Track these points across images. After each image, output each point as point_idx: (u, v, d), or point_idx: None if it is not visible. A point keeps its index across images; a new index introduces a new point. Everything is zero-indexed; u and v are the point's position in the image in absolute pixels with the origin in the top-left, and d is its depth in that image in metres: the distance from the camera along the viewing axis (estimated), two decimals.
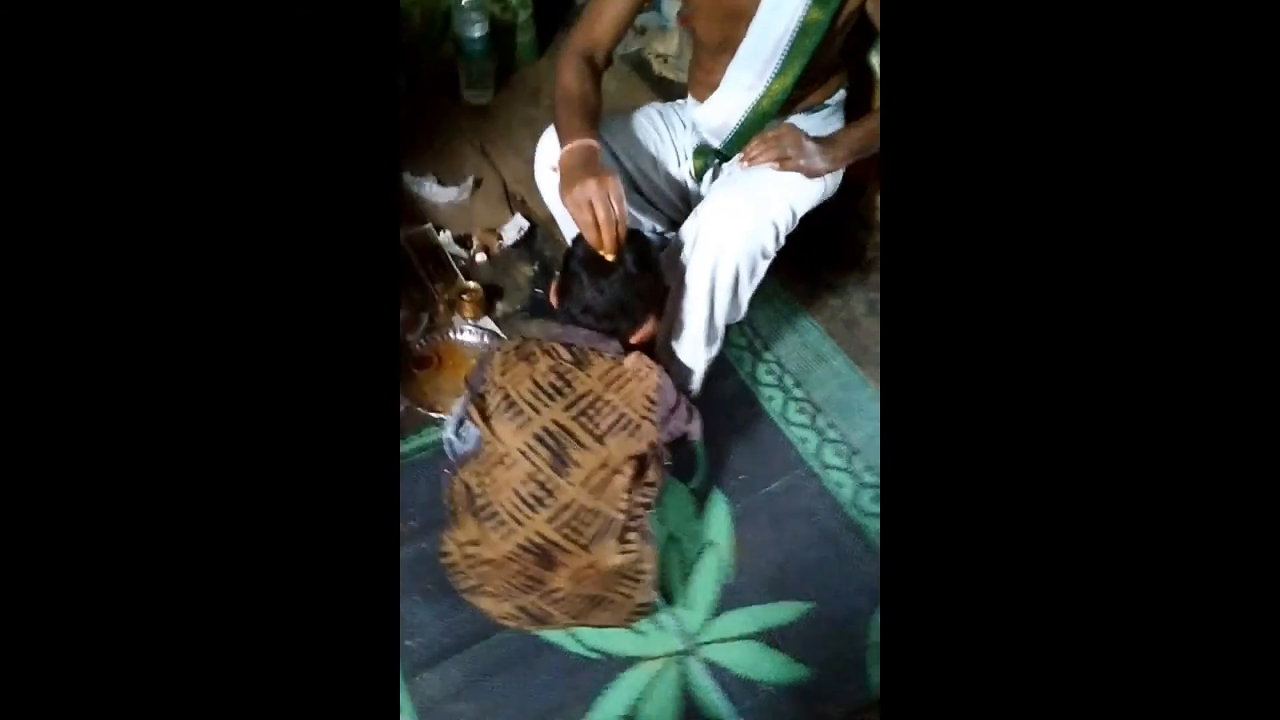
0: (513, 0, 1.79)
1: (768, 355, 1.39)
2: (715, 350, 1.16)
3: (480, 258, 1.48)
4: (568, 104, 1.03)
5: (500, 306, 1.42)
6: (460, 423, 1.06)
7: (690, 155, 1.20)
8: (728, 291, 1.06)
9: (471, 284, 1.39)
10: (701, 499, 1.20)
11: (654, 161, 1.18)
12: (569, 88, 1.04)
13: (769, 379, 1.36)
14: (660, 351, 1.15)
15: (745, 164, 1.08)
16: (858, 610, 1.09)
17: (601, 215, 0.91)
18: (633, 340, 1.02)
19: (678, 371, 1.14)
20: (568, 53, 1.08)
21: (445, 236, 1.49)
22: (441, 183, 1.60)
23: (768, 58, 1.08)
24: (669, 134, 1.20)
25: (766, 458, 1.25)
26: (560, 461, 0.91)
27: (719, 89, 1.15)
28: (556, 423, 0.92)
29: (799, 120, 1.18)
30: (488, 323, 1.38)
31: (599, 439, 0.92)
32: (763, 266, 1.08)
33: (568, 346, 0.97)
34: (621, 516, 0.92)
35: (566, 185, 0.94)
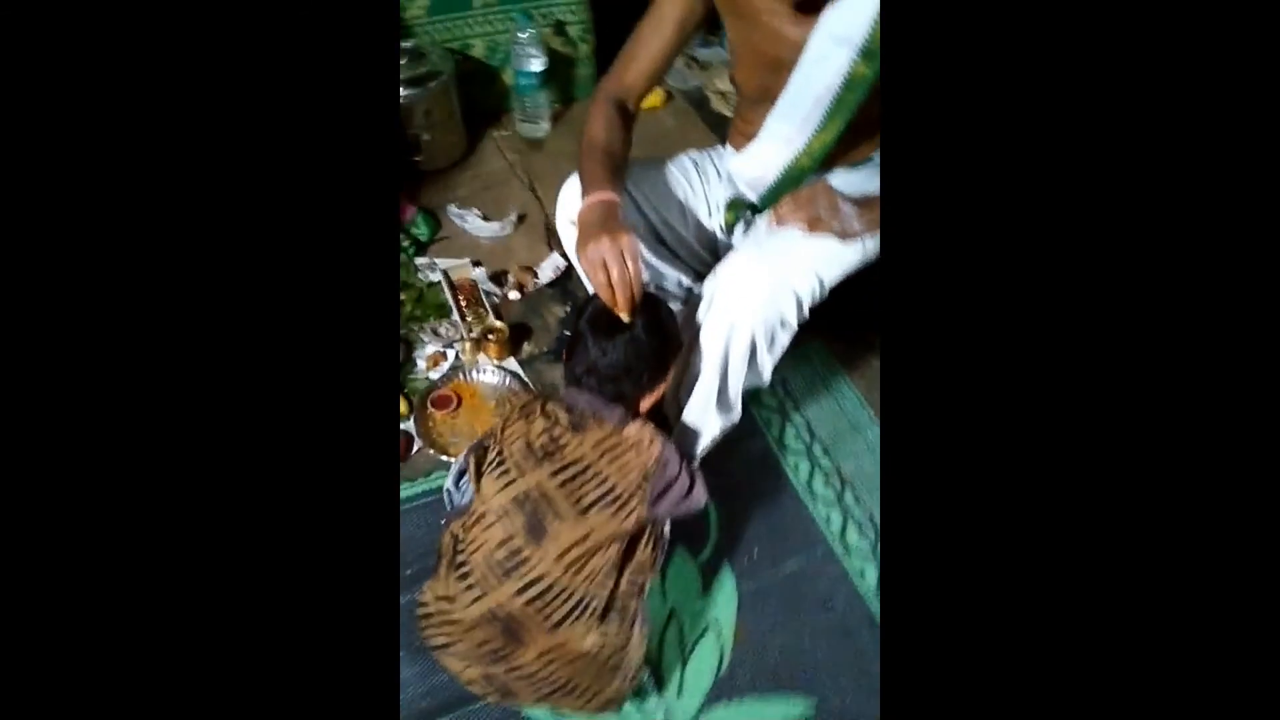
0: (573, 34, 1.79)
1: (797, 418, 1.31)
2: (729, 419, 1.10)
3: (514, 295, 1.47)
4: (592, 153, 1.00)
5: (527, 348, 1.40)
6: (461, 474, 1.04)
7: (722, 207, 1.15)
8: (742, 361, 0.99)
9: (499, 323, 1.38)
10: (709, 573, 1.13)
11: (682, 212, 1.13)
12: (595, 135, 1.01)
13: (796, 445, 1.28)
14: (669, 407, 1.10)
15: (775, 224, 1.01)
16: (865, 713, 1.00)
17: (615, 275, 0.88)
18: (641, 405, 0.97)
19: (683, 433, 1.08)
20: (598, 97, 1.05)
21: (480, 272, 1.49)
22: (486, 217, 1.60)
23: (808, 112, 1.02)
24: (701, 184, 1.15)
25: (785, 533, 1.17)
26: (536, 530, 0.87)
27: (757, 140, 1.09)
28: (540, 488, 0.88)
29: (839, 176, 1.11)
30: (512, 364, 1.37)
31: (582, 512, 0.87)
32: (785, 336, 1.01)
33: (569, 409, 0.93)
34: (599, 599, 0.87)
35: (582, 242, 0.91)
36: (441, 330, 1.40)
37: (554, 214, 1.50)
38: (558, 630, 0.86)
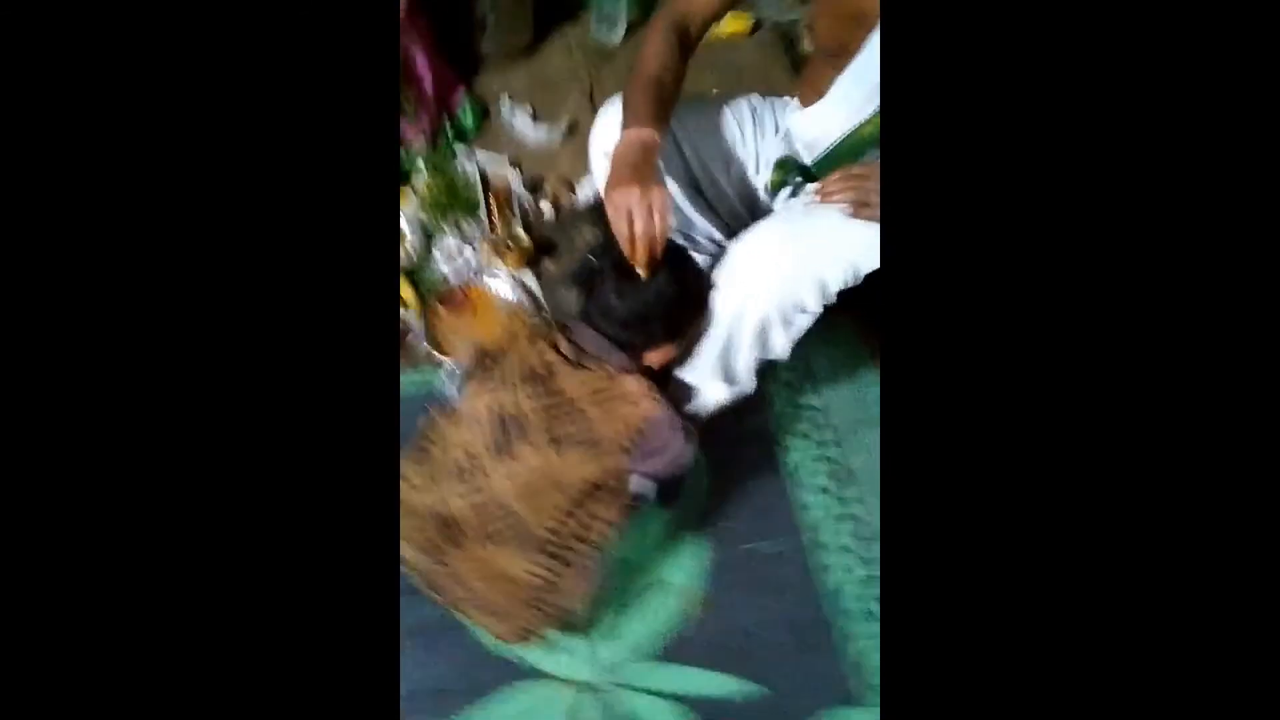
0: None
1: (815, 401, 1.24)
2: (736, 390, 1.03)
3: (546, 208, 1.40)
4: (640, 81, 0.90)
5: (548, 265, 1.34)
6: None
7: (771, 165, 1.04)
8: (752, 337, 0.92)
9: (523, 233, 1.31)
10: (677, 529, 1.09)
11: (726, 164, 1.04)
12: (647, 62, 0.91)
13: (804, 427, 1.21)
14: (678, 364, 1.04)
15: (818, 198, 0.91)
16: (799, 711, 0.97)
17: (639, 228, 0.81)
18: (647, 359, 0.92)
19: (680, 389, 1.02)
20: (659, 19, 0.94)
21: (516, 176, 1.41)
22: (536, 117, 1.51)
23: (878, 82, 0.90)
24: (755, 136, 1.05)
25: (766, 513, 1.12)
26: (502, 447, 0.84)
27: (824, 99, 0.98)
28: (519, 408, 0.84)
29: None
30: (528, 277, 1.31)
31: (554, 443, 0.83)
32: (805, 319, 0.92)
33: (574, 343, 0.88)
34: (543, 534, 0.84)
35: (613, 183, 0.83)
36: (465, 226, 1.34)
37: None
38: (489, 545, 0.84)
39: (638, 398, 0.86)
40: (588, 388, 0.86)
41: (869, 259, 0.91)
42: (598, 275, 0.88)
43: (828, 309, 0.94)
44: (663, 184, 0.84)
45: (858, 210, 0.88)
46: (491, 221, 1.35)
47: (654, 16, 0.95)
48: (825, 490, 1.15)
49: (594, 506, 0.86)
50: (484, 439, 0.85)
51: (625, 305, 0.86)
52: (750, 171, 1.06)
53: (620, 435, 0.85)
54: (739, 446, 1.17)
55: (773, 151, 1.06)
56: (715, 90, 1.52)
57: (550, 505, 0.83)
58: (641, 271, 0.84)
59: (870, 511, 1.13)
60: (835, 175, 0.91)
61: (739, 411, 1.13)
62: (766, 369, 1.18)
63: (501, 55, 1.59)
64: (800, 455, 1.18)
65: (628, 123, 0.87)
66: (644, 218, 0.81)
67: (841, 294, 0.93)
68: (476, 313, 1.25)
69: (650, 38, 0.93)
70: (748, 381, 1.03)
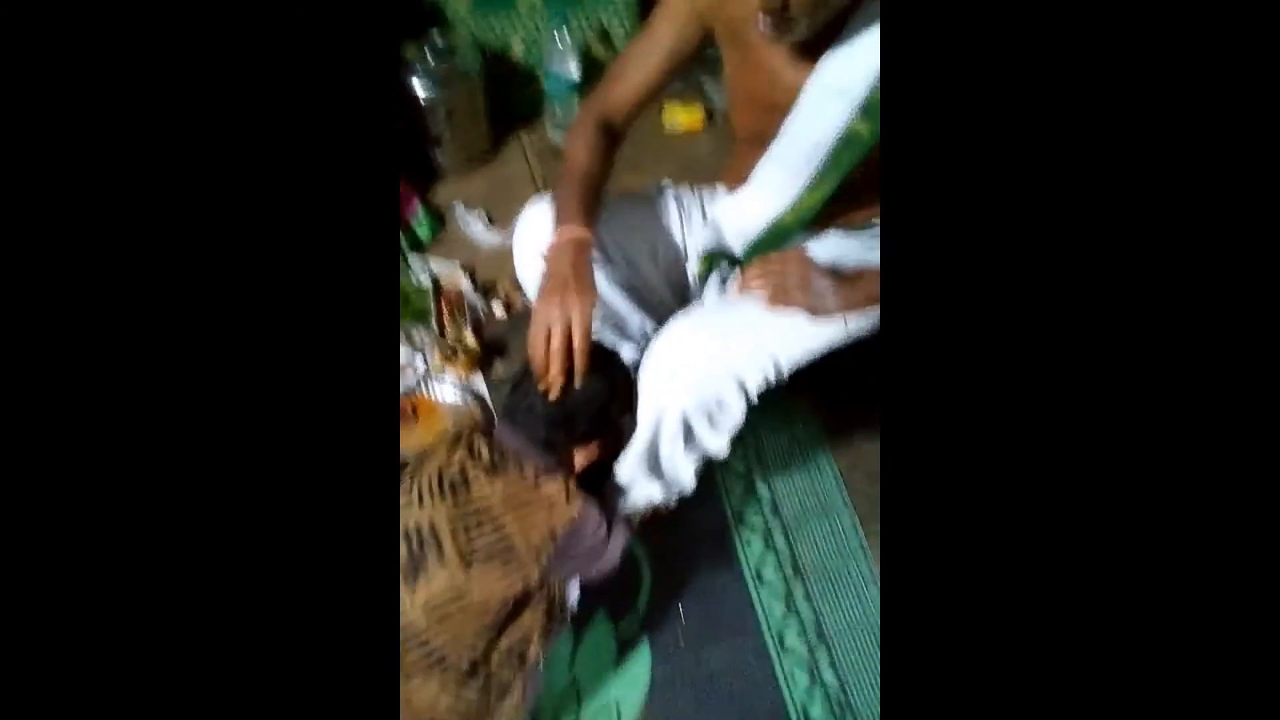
0: (617, 41, 1.72)
1: (763, 490, 1.20)
2: (668, 489, 1.00)
3: (499, 311, 1.42)
4: (570, 177, 0.92)
5: (499, 368, 1.35)
6: None
7: (700, 255, 1.05)
8: (674, 436, 0.90)
9: (472, 339, 1.33)
10: (626, 646, 1.04)
11: (654, 255, 1.04)
12: (574, 158, 0.93)
13: (755, 520, 1.17)
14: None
15: (737, 289, 0.91)
16: None
17: (555, 346, 0.81)
18: (576, 460, 0.90)
19: (612, 489, 0.99)
20: (583, 115, 0.97)
21: (468, 281, 1.44)
22: (491, 222, 1.56)
23: (800, 165, 0.91)
24: (681, 226, 1.06)
25: (719, 618, 1.07)
26: (412, 570, 0.81)
27: (746, 185, 0.99)
28: (432, 524, 0.82)
29: (833, 240, 0.99)
30: (479, 383, 1.31)
31: (467, 562, 0.81)
32: (729, 418, 0.90)
33: (495, 447, 0.87)
34: (463, 660, 0.80)
35: (542, 293, 0.84)
36: (415, 336, 1.36)
37: None
38: (410, 682, 0.80)
39: (559, 502, 0.83)
40: (505, 495, 0.83)
41: (793, 349, 0.90)
42: (528, 375, 0.88)
43: (782, 390, 0.92)
44: (591, 290, 0.84)
45: (775, 300, 0.88)
46: (442, 327, 1.37)
47: (577, 115, 0.98)
48: (784, 592, 1.09)
49: (520, 624, 0.83)
50: (399, 564, 0.83)
51: (550, 405, 0.85)
52: (678, 262, 1.07)
53: (539, 543, 0.82)
54: (689, 542, 1.13)
55: (701, 240, 1.06)
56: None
57: (470, 631, 0.80)
58: (553, 392, 0.84)
59: (817, 611, 1.07)
60: (754, 264, 0.91)
61: (687, 505, 1.10)
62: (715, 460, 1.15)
63: (460, 165, 1.65)
64: (756, 551, 1.14)
65: (560, 220, 0.88)
66: (562, 336, 0.81)
67: (795, 375, 0.91)
68: (420, 423, 1.25)
69: (576, 132, 0.95)
70: (686, 479, 1.00)
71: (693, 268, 1.05)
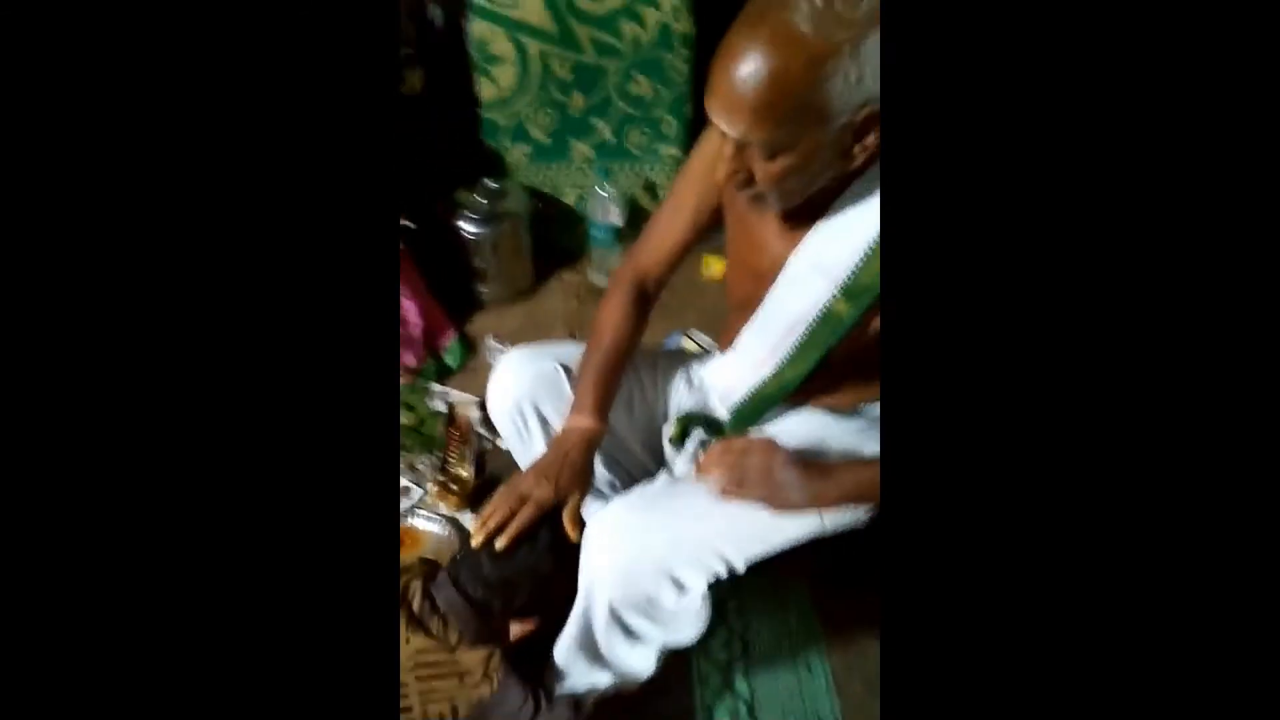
0: (663, 190, 1.78)
1: (742, 687, 1.06)
2: (610, 675, 0.90)
3: (504, 445, 1.41)
4: (598, 353, 0.92)
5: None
6: None
7: (669, 421, 1.00)
8: (608, 629, 0.82)
9: (465, 473, 1.31)
10: None
11: (629, 413, 1.00)
12: (604, 333, 0.93)
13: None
14: None
15: (695, 473, 0.84)
16: None
17: (521, 520, 0.80)
18: (512, 631, 0.84)
19: (551, 669, 0.90)
20: (618, 277, 0.98)
21: (478, 414, 1.45)
22: None
23: (780, 337, 0.87)
24: (660, 386, 1.02)
25: None
26: None
27: (732, 350, 0.96)
28: None
29: (818, 421, 0.92)
30: (468, 518, 1.28)
31: None
32: (668, 612, 0.82)
33: (426, 600, 0.82)
34: None
35: (536, 468, 0.85)
36: (419, 465, 1.37)
37: None
38: None
39: (473, 675, 0.77)
40: (415, 654, 0.78)
41: (748, 544, 0.81)
42: (468, 536, 0.84)
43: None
44: (585, 486, 0.85)
45: (729, 491, 0.80)
46: (446, 458, 1.37)
47: (613, 275, 0.99)
48: None
49: None
50: None
51: (495, 567, 0.80)
52: (655, 421, 1.02)
53: (434, 716, 0.75)
54: None
55: (684, 403, 1.02)
56: (692, 331, 1.55)
57: None
58: (476, 540, 0.80)
59: None
60: (713, 449, 0.85)
61: (653, 690, 0.98)
62: (697, 645, 1.05)
63: (501, 299, 1.72)
64: None
65: (577, 404, 0.89)
66: (532, 515, 0.80)
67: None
68: (402, 550, 1.22)
69: (610, 296, 0.95)
70: (638, 666, 0.90)
71: (668, 430, 1.00)
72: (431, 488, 1.31)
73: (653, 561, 0.77)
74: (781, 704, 1.04)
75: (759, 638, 1.12)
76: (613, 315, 0.94)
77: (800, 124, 0.64)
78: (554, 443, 0.88)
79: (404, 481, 1.34)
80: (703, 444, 0.99)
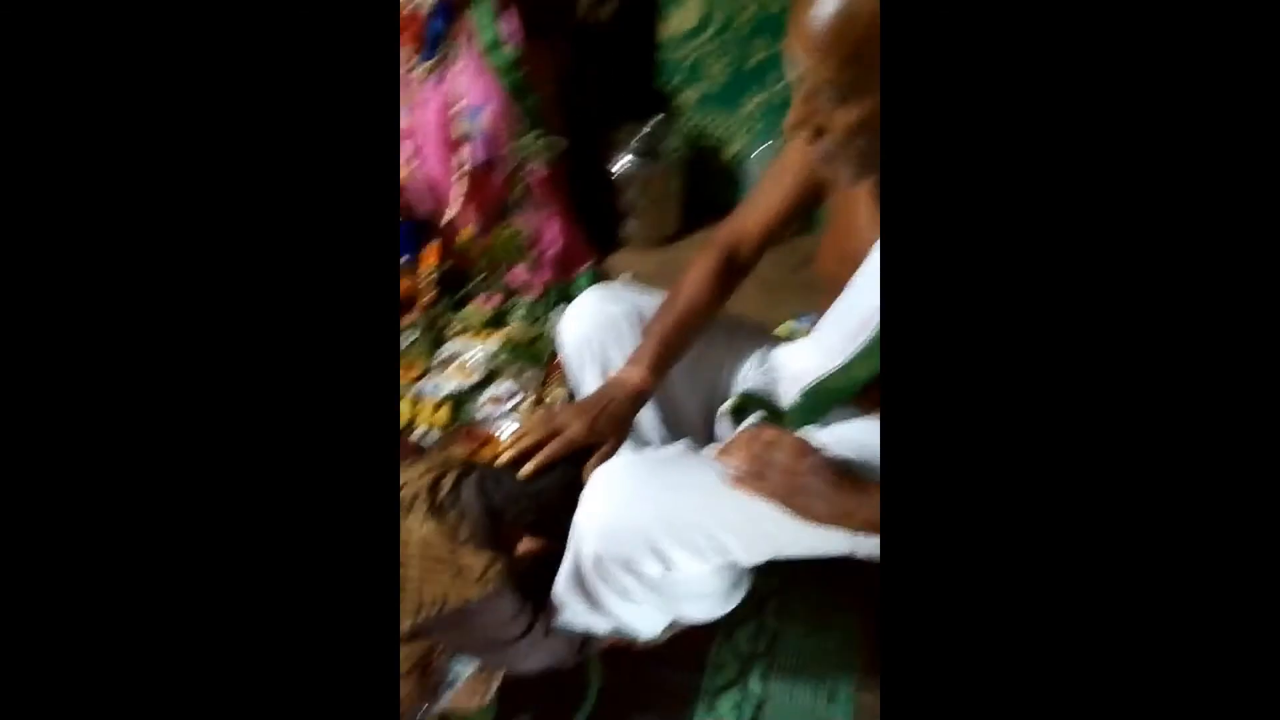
0: None
1: (755, 687, 1.00)
2: (609, 621, 0.88)
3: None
4: (671, 311, 0.89)
5: None
6: None
7: (732, 395, 0.94)
8: (596, 577, 0.80)
9: (552, 400, 1.34)
10: None
11: (693, 379, 0.95)
12: (681, 296, 0.90)
13: (728, 717, 0.98)
14: None
15: (717, 453, 0.78)
16: None
17: (548, 453, 0.80)
18: (518, 545, 0.86)
19: (551, 600, 0.91)
20: (711, 240, 0.94)
21: None
22: None
23: (857, 328, 0.78)
24: (735, 360, 0.96)
25: None
26: None
27: (812, 335, 0.87)
28: None
29: (871, 429, 0.81)
30: None
31: None
32: (653, 580, 0.77)
33: (453, 495, 0.86)
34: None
35: (578, 405, 0.84)
36: (524, 376, 1.43)
37: None
38: None
39: (470, 575, 0.80)
40: (424, 539, 0.82)
41: (752, 542, 0.75)
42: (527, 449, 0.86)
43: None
44: (621, 438, 0.84)
45: (742, 481, 0.73)
46: (546, 379, 1.41)
47: (709, 238, 0.95)
48: None
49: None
50: None
51: (513, 481, 0.82)
52: (718, 394, 0.97)
53: (428, 600, 0.79)
54: (646, 695, 0.99)
55: (752, 380, 0.95)
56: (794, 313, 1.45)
57: None
58: (501, 459, 0.82)
59: None
60: (739, 436, 0.78)
61: (661, 658, 0.97)
62: (719, 631, 1.01)
63: (643, 241, 1.71)
64: None
65: (635, 358, 0.87)
66: (560, 450, 0.80)
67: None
68: (479, 450, 1.30)
69: (697, 264, 0.92)
70: (636, 624, 0.88)
71: (725, 405, 0.94)
72: (530, 399, 1.37)
73: (635, 529, 0.73)
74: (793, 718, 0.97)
75: (791, 646, 1.04)
76: (695, 277, 0.90)
77: (869, 66, 0.57)
78: (603, 386, 0.86)
79: (507, 386, 1.41)
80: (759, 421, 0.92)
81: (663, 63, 1.61)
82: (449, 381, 1.42)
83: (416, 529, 0.82)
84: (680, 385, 0.95)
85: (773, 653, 1.04)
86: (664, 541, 0.72)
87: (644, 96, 1.67)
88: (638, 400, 0.85)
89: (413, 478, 0.87)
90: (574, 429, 0.81)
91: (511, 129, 1.39)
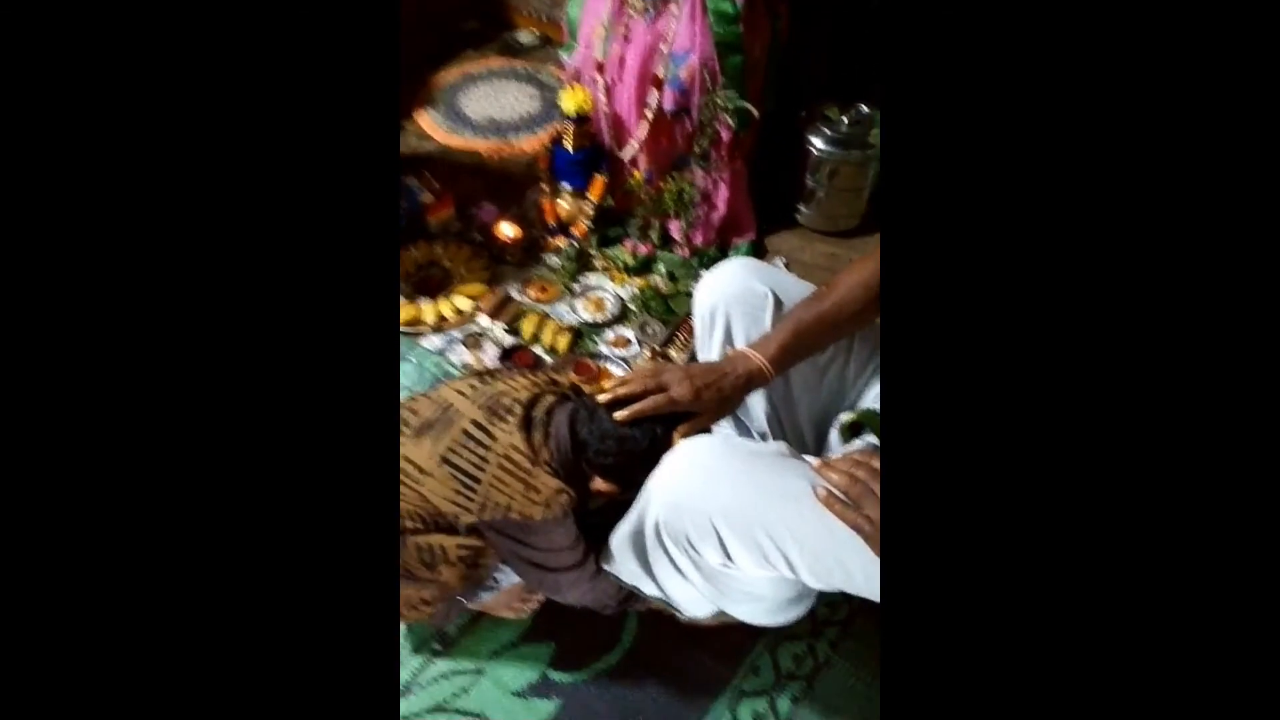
0: None
1: (783, 706, 0.96)
2: (666, 599, 0.87)
3: None
4: (815, 309, 0.83)
5: None
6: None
7: (855, 410, 0.86)
8: (653, 543, 0.78)
9: (678, 357, 1.32)
10: (541, 690, 0.97)
11: (819, 381, 0.89)
12: (837, 291, 0.84)
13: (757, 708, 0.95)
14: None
15: (818, 467, 0.72)
16: None
17: (646, 405, 0.80)
18: (592, 483, 0.87)
19: (606, 548, 0.91)
20: (870, 257, 0.87)
21: None
22: None
23: None
24: (868, 374, 0.88)
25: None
26: (422, 429, 0.86)
27: None
28: (456, 410, 0.86)
29: None
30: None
31: (441, 457, 0.83)
32: (709, 569, 0.74)
33: (546, 422, 0.88)
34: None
35: (698, 371, 0.82)
36: (650, 329, 1.42)
37: None
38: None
39: (538, 495, 0.81)
40: (508, 449, 0.84)
41: (818, 566, 0.69)
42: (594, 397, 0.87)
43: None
44: (725, 415, 0.83)
45: (833, 502, 0.67)
46: (673, 338, 1.40)
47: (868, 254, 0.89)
48: None
49: (438, 540, 0.84)
50: (421, 416, 0.88)
51: (606, 422, 0.82)
52: (839, 405, 0.90)
53: (494, 503, 0.81)
54: (676, 677, 0.98)
55: (869, 400, 0.88)
56: None
57: (405, 502, 0.84)
58: (601, 398, 0.82)
59: None
60: (853, 455, 0.72)
61: (701, 643, 0.95)
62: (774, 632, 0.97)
63: (818, 226, 1.63)
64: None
65: (762, 343, 0.83)
66: (660, 406, 0.79)
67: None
68: (594, 384, 1.31)
69: (859, 267, 0.85)
70: (682, 601, 0.86)
71: (842, 418, 0.87)
72: (646, 353, 1.36)
73: (702, 510, 0.70)
74: None
75: (834, 683, 0.98)
76: (854, 280, 0.83)
77: None
78: (723, 359, 0.84)
79: (632, 332, 1.41)
80: (871, 447, 0.85)
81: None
82: (581, 311, 1.44)
83: (504, 436, 0.84)
84: (802, 384, 0.90)
85: (814, 681, 0.98)
86: (726, 533, 0.69)
87: (859, 78, 1.57)
88: (751, 383, 0.81)
89: (514, 388, 0.89)
90: (678, 390, 0.79)
91: (708, 84, 1.35)
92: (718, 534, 0.69)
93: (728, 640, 0.98)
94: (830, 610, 1.04)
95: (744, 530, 0.68)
